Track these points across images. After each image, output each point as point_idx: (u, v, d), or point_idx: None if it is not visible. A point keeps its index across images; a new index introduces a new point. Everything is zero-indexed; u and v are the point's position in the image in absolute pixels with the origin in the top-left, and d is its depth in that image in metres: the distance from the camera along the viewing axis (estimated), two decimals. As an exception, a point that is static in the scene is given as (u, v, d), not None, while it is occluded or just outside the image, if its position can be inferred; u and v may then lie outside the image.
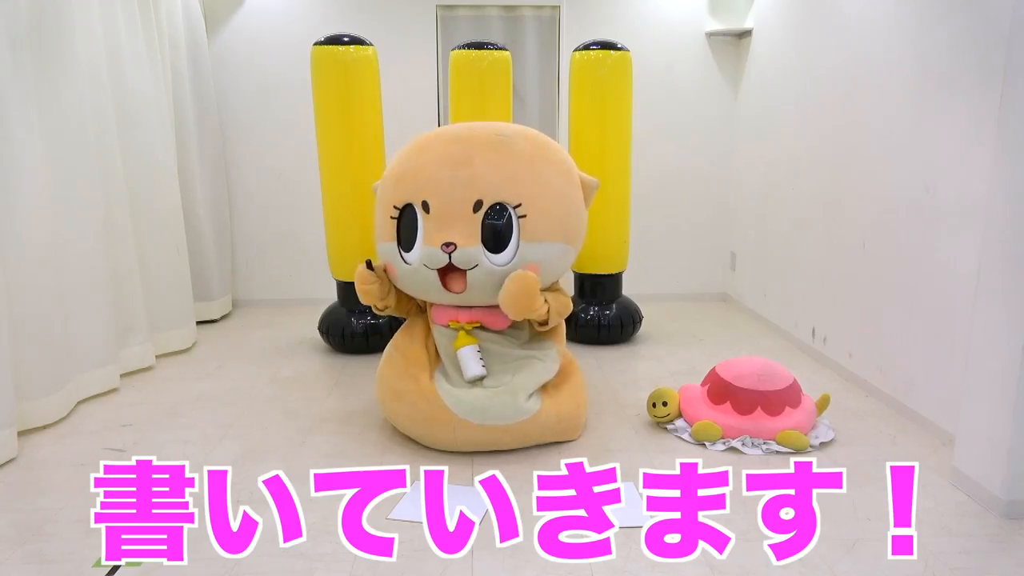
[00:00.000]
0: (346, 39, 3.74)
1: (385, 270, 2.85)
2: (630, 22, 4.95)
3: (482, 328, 2.80)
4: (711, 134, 5.17)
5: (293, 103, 4.85)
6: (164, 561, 2.02)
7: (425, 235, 2.67)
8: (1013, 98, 2.21)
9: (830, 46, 3.78)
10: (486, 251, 2.64)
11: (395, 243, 2.76)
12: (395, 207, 2.74)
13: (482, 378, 2.75)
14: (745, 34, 4.90)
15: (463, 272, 2.65)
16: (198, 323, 4.52)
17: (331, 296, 4.22)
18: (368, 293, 2.81)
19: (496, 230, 2.65)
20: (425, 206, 2.67)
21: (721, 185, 5.24)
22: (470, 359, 2.73)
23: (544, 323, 2.80)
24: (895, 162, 3.20)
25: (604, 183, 3.94)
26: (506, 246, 2.65)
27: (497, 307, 2.72)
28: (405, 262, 2.74)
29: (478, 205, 2.63)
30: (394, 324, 3.69)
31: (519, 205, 2.65)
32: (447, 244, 2.61)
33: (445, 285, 2.68)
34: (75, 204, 3.19)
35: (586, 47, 3.96)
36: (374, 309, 2.92)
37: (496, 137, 2.73)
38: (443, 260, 2.63)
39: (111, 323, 3.43)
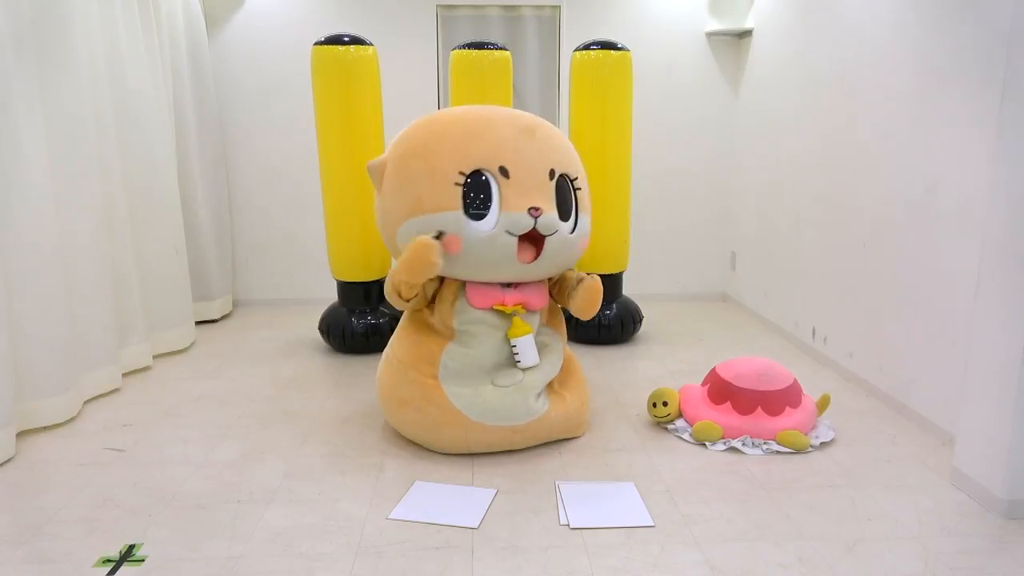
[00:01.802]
0: (346, 39, 3.74)
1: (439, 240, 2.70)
2: (630, 22, 4.95)
3: (523, 309, 2.79)
4: (711, 134, 5.17)
5: (293, 103, 4.85)
6: (164, 560, 2.02)
7: (505, 200, 2.61)
8: (1013, 98, 2.21)
9: (830, 46, 3.78)
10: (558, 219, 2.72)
11: (461, 212, 2.61)
12: (462, 173, 2.60)
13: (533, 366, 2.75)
14: (745, 34, 4.90)
15: (535, 242, 2.66)
16: (198, 323, 4.53)
17: (331, 296, 4.22)
18: (433, 267, 2.56)
19: (564, 200, 2.75)
20: (503, 172, 2.62)
21: (721, 185, 5.24)
22: (530, 348, 2.72)
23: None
24: (895, 162, 3.20)
25: (604, 183, 3.96)
26: (570, 215, 2.77)
27: (537, 287, 2.82)
28: (475, 231, 2.61)
29: (551, 174, 2.71)
30: (395, 324, 3.69)
31: (576, 179, 2.82)
32: (535, 208, 2.61)
33: (517, 255, 2.66)
34: (76, 204, 3.19)
35: (586, 47, 3.96)
36: (399, 299, 2.69)
37: (533, 119, 2.83)
38: (529, 225, 2.60)
39: (112, 322, 3.43)
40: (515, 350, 2.73)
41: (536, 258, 2.68)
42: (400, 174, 2.72)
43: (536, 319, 2.87)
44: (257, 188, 5.04)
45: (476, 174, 2.61)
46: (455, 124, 2.73)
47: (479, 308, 2.72)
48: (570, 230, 2.76)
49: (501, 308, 2.71)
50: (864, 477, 2.56)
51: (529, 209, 2.60)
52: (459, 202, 2.60)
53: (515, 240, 2.61)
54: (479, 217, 2.61)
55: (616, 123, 4.01)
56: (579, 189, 2.82)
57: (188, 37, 4.41)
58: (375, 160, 2.84)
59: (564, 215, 2.73)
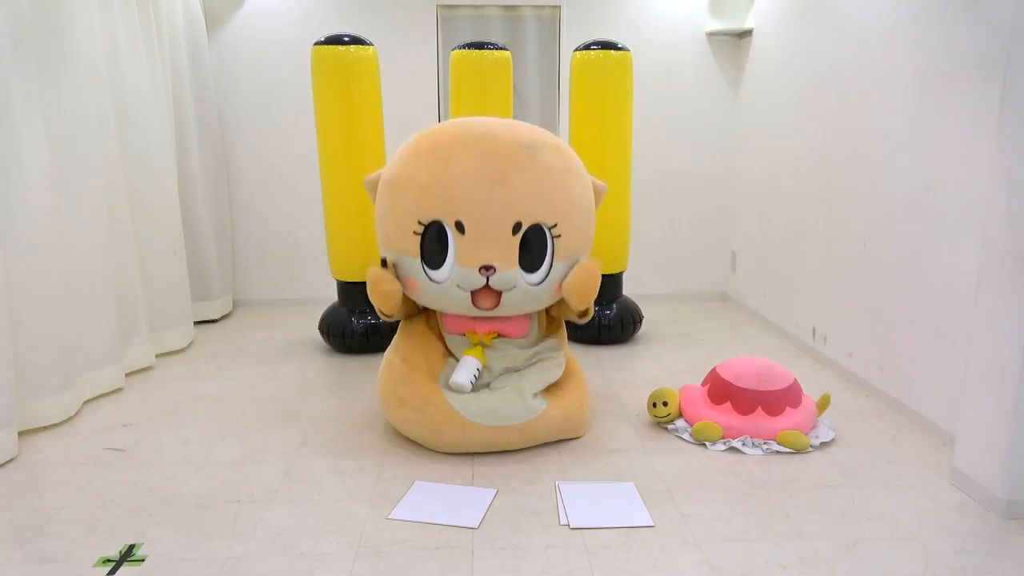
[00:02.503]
0: (346, 39, 3.74)
1: (396, 270, 2.74)
2: (630, 22, 4.95)
3: (499, 336, 2.80)
4: (711, 134, 5.17)
5: (293, 103, 4.85)
6: (164, 560, 2.02)
7: (459, 256, 2.58)
8: (1013, 98, 2.21)
9: (830, 46, 3.78)
10: (522, 271, 2.62)
11: (419, 259, 2.65)
12: (420, 223, 2.61)
13: (464, 391, 2.71)
14: (745, 34, 4.90)
15: (496, 291, 2.62)
16: (198, 323, 4.53)
17: (331, 296, 4.22)
18: (390, 295, 2.67)
19: (533, 251, 2.63)
20: (460, 226, 2.56)
21: (721, 185, 5.24)
22: (467, 369, 2.70)
23: (585, 313, 2.84)
24: (895, 162, 3.20)
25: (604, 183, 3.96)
26: (540, 265, 2.65)
27: (514, 316, 2.76)
28: (431, 279, 2.65)
29: (517, 227, 2.58)
30: (394, 325, 3.68)
31: (555, 225, 2.63)
32: (487, 267, 2.56)
33: (475, 302, 2.65)
34: (76, 204, 3.19)
35: (586, 47, 3.96)
36: (382, 312, 2.78)
37: (525, 152, 2.61)
38: (480, 283, 2.58)
39: (115, 322, 3.43)
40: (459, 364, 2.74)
41: (496, 306, 2.65)
42: (380, 199, 2.77)
43: (531, 348, 2.86)
44: (257, 188, 5.04)
45: (435, 224, 2.60)
46: (422, 160, 2.62)
47: (452, 333, 2.78)
48: (538, 281, 2.66)
49: (474, 338, 2.74)
50: (864, 477, 2.56)
51: (480, 268, 2.56)
52: (417, 249, 2.64)
53: (467, 293, 2.61)
54: (435, 267, 2.63)
55: (616, 123, 4.01)
56: (558, 236, 2.63)
57: (188, 37, 4.41)
58: (371, 175, 2.87)
59: (531, 267, 2.64)
